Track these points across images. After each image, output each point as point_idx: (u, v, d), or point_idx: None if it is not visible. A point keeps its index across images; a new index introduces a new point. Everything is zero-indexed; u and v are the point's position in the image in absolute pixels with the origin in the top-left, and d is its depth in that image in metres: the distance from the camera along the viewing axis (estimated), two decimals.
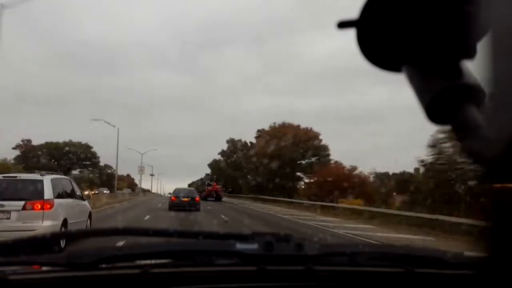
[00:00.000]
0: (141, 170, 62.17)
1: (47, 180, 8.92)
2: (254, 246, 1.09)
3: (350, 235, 14.09)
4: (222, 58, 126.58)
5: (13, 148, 70.81)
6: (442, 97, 0.56)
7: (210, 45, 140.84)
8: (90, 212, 11.21)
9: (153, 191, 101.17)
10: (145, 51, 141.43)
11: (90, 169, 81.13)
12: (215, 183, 47.74)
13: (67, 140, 78.81)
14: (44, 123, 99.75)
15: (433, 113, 0.57)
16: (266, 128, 56.39)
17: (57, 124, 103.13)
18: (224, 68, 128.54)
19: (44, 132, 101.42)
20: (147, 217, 18.15)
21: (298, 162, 51.32)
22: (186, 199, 23.58)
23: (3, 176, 9.25)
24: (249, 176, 58.20)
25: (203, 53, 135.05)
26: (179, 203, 22.97)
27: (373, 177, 39.30)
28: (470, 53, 0.56)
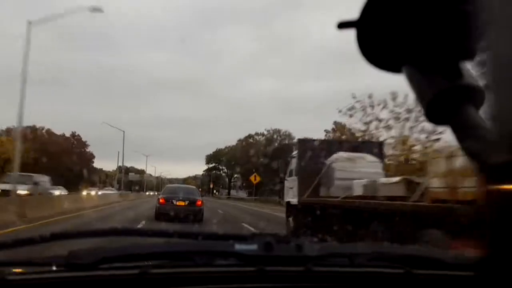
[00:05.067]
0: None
1: None
2: (253, 246, 1.09)
3: None
4: (223, 38, 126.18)
5: None
6: (442, 98, 0.56)
7: (211, 25, 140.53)
8: None
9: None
10: (145, 31, 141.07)
11: None
12: None
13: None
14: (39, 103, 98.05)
15: (433, 113, 0.58)
16: None
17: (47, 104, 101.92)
18: (227, 50, 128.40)
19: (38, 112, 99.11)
20: None
21: None
22: (181, 203, 15.60)
23: None
24: None
25: (204, 33, 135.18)
26: (170, 210, 14.84)
27: None
28: (470, 54, 0.56)
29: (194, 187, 20.99)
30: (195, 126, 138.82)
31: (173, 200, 15.77)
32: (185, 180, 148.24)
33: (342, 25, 0.61)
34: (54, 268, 1.07)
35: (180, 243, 1.22)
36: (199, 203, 15.94)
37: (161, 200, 15.96)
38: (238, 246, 1.09)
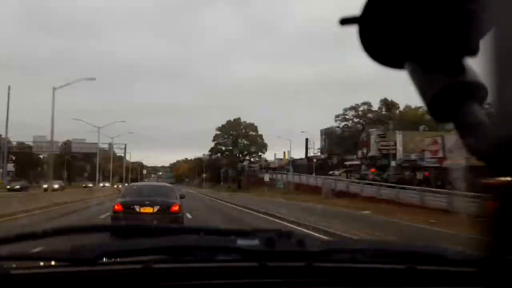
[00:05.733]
0: None
1: None
2: (255, 242, 1.09)
3: None
4: (205, 20, 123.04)
5: None
6: (445, 94, 0.56)
7: (192, 5, 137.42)
8: None
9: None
10: (123, 12, 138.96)
11: None
12: None
13: None
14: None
15: (436, 110, 0.57)
16: None
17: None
18: (208, 32, 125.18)
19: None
20: None
21: None
22: (147, 210, 10.28)
23: None
24: None
25: (185, 14, 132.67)
26: (131, 220, 9.91)
27: None
28: (473, 51, 0.55)
29: (169, 185, 14.40)
30: (177, 113, 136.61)
31: (135, 206, 10.35)
32: (173, 166, 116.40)
33: (344, 21, 0.61)
34: (56, 263, 1.08)
35: (182, 238, 1.22)
36: (176, 208, 10.49)
37: (116, 207, 10.51)
38: (240, 242, 1.09)
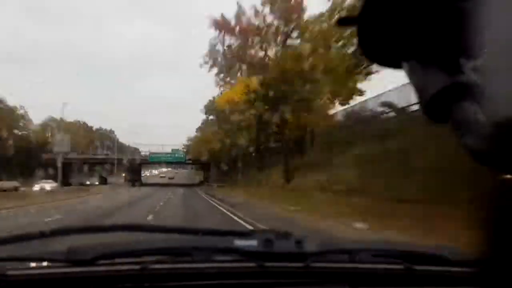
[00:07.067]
0: None
1: None
2: (253, 242, 1.09)
3: None
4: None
5: None
6: (442, 95, 0.56)
7: None
8: None
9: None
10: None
11: None
12: None
13: None
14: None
15: (432, 110, 0.57)
16: None
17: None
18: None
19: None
20: None
21: None
22: None
23: None
24: None
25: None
26: None
27: None
28: (469, 50, 0.55)
29: None
30: (173, 106, 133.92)
31: None
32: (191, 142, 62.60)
33: (343, 22, 0.60)
34: (54, 263, 1.08)
35: (181, 239, 1.22)
36: None
37: None
38: (238, 242, 1.09)
